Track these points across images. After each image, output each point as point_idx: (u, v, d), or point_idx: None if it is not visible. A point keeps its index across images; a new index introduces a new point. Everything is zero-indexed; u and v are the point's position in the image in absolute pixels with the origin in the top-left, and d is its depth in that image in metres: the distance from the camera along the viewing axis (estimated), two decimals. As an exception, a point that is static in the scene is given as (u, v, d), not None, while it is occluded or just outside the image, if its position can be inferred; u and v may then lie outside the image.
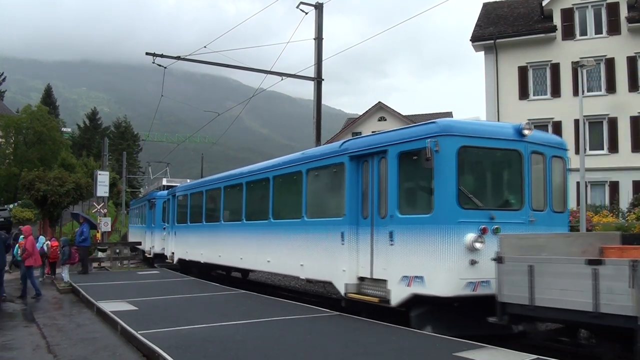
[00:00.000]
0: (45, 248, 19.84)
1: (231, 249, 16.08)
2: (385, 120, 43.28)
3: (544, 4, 29.79)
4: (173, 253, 22.02)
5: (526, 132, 9.01)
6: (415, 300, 8.78)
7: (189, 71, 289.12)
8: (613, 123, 27.61)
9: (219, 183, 17.78)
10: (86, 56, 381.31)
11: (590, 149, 26.09)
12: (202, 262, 18.50)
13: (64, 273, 17.47)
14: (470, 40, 30.75)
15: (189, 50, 21.61)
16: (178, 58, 18.86)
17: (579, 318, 6.63)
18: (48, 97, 78.63)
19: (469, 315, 8.42)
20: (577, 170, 18.89)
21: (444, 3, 16.18)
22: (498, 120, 29.14)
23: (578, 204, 21.11)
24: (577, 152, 18.46)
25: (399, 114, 43.89)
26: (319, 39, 19.66)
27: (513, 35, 29.90)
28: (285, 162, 13.47)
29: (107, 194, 31.09)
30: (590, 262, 6.46)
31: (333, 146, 11.58)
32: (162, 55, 18.12)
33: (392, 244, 9.22)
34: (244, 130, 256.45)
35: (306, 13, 19.53)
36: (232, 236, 16.10)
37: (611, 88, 27.88)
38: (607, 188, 27.24)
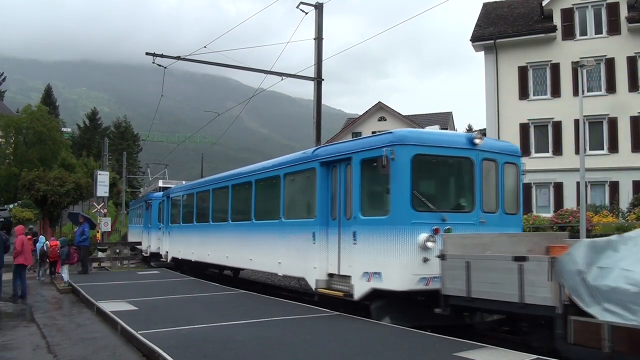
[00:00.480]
0: (45, 248, 19.88)
1: (219, 248, 16.89)
2: (385, 120, 43.27)
3: (544, 4, 29.79)
4: (167, 252, 22.95)
5: (477, 141, 9.64)
6: (375, 294, 9.50)
7: (189, 71, 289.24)
8: (613, 123, 27.62)
9: (208, 186, 18.66)
10: (86, 56, 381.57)
11: (590, 149, 26.11)
12: (192, 260, 19.33)
13: (64, 273, 17.47)
14: (470, 40, 30.78)
15: (189, 50, 21.63)
16: (178, 58, 18.88)
17: (507, 308, 7.31)
18: (48, 97, 78.59)
19: (424, 307, 8.96)
20: (577, 170, 18.94)
21: (444, 3, 16.24)
22: (498, 120, 29.29)
23: (578, 204, 21.13)
24: (577, 152, 18.50)
25: (399, 114, 43.85)
26: (319, 39, 19.65)
27: (513, 35, 29.91)
28: (265, 167, 14.35)
29: (107, 194, 31.18)
30: (517, 259, 7.13)
31: (306, 152, 12.33)
32: (162, 55, 18.14)
33: (355, 243, 9.95)
34: (244, 130, 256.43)
35: (306, 13, 19.53)
36: (219, 236, 16.94)
37: (611, 88, 27.88)
38: (607, 188, 27.25)
